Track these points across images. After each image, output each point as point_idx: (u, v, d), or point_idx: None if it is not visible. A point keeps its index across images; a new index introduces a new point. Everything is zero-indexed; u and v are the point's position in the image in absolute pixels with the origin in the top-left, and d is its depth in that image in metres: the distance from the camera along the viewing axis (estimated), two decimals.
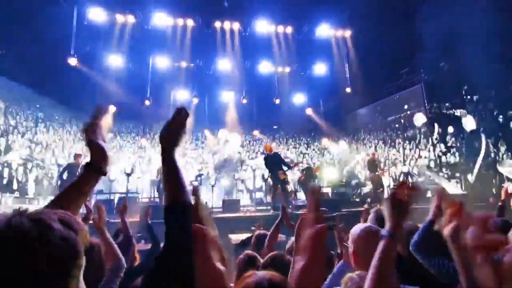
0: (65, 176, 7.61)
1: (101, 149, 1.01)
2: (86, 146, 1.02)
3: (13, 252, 0.53)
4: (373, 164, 9.61)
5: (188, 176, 9.21)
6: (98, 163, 1.00)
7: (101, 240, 1.79)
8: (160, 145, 0.91)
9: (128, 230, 2.36)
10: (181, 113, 0.92)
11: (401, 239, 1.09)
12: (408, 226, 1.95)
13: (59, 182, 7.60)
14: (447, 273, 1.54)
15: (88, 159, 1.03)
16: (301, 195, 10.75)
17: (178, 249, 0.76)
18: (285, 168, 7.77)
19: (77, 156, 7.89)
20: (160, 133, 0.91)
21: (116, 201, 8.30)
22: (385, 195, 9.65)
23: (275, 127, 14.61)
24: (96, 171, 1.00)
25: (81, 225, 0.64)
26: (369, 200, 9.48)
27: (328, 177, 10.19)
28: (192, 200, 0.74)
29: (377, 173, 9.43)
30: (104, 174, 1.00)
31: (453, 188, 9.57)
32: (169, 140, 0.90)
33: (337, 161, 11.60)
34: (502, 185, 7.68)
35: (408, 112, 11.13)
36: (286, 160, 8.59)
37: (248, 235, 3.79)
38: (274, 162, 7.71)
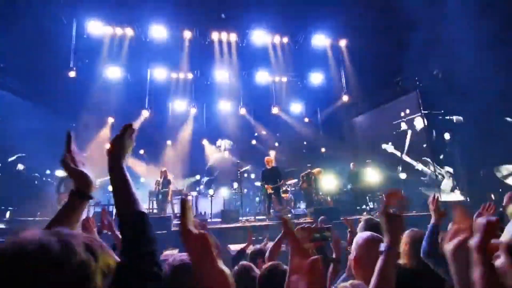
0: (62, 189, 7.55)
1: (82, 175, 1.06)
2: (68, 175, 1.07)
3: (40, 265, 0.55)
4: (354, 175, 9.67)
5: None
6: (82, 189, 1.04)
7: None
8: (108, 156, 0.95)
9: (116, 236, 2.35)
10: (127, 129, 0.99)
11: (399, 251, 1.10)
12: (415, 234, 1.95)
13: (56, 196, 7.55)
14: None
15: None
16: (302, 205, 10.76)
17: (134, 258, 0.80)
18: (279, 182, 8.07)
19: None
20: (108, 148, 0.97)
21: (114, 212, 8.25)
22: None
23: (277, 134, 14.65)
24: (81, 197, 1.04)
25: (105, 248, 0.67)
26: (368, 208, 9.48)
27: (327, 185, 10.19)
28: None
29: (357, 185, 9.50)
30: (90, 198, 1.06)
31: (453, 194, 9.58)
32: (114, 152, 0.95)
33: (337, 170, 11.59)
34: (500, 190, 7.68)
35: (405, 119, 11.23)
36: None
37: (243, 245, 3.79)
38: (270, 176, 8.06)
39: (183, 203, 0.77)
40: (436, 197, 2.05)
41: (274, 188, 8.17)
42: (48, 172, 10.14)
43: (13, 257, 0.55)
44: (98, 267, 0.62)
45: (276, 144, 12.89)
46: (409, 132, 10.82)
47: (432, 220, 1.91)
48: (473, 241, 0.90)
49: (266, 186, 8.14)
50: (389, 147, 11.46)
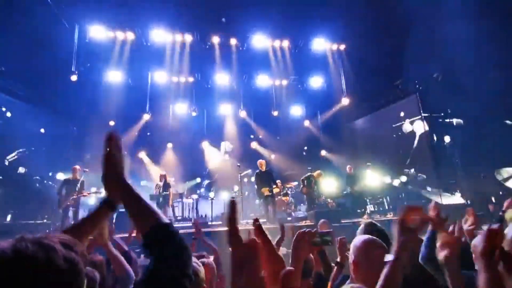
0: (63, 191, 7.56)
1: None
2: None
3: (23, 277, 0.56)
4: (351, 178, 9.65)
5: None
6: (114, 202, 1.03)
7: (107, 254, 1.82)
8: (106, 175, 0.90)
9: (122, 247, 2.36)
10: (112, 138, 0.91)
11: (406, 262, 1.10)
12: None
13: (58, 198, 7.55)
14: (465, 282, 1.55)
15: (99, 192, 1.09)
16: (302, 207, 10.76)
17: (165, 271, 0.75)
18: (273, 185, 8.29)
19: (73, 170, 7.82)
20: (102, 174, 0.90)
21: (115, 216, 8.24)
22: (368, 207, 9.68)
23: (277, 138, 14.68)
24: (111, 208, 1.05)
25: (81, 245, 0.68)
26: (368, 211, 9.46)
27: (328, 188, 10.20)
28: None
29: (357, 187, 9.47)
30: (116, 211, 1.05)
31: (453, 197, 9.57)
32: (111, 174, 0.89)
33: (336, 173, 11.60)
34: (500, 192, 7.69)
35: (404, 122, 11.25)
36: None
37: None
38: (265, 179, 8.19)
39: (232, 205, 0.70)
40: (437, 204, 2.05)
41: (271, 190, 8.19)
42: (50, 174, 10.16)
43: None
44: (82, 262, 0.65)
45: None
46: (417, 133, 10.69)
47: (432, 226, 1.91)
48: (478, 249, 0.91)
49: (263, 189, 8.19)
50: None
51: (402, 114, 11.31)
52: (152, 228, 0.80)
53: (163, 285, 0.73)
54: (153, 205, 0.86)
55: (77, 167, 7.86)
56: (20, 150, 9.29)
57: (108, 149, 0.90)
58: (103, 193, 1.03)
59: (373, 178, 10.28)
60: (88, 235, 1.03)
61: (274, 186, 8.32)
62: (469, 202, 8.89)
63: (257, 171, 8.56)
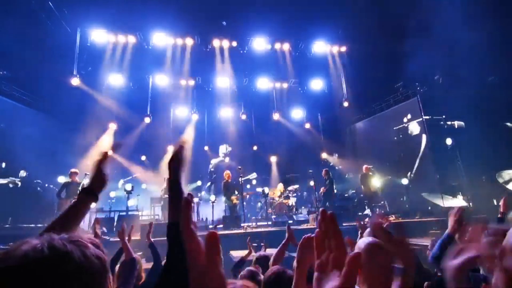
0: (63, 194, 7.56)
1: (104, 180, 1.15)
2: (94, 173, 1.14)
3: (62, 274, 0.58)
4: (366, 178, 9.63)
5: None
6: (96, 189, 1.12)
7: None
8: (169, 175, 1.00)
9: (130, 253, 2.35)
10: (180, 148, 1.05)
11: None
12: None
13: (57, 201, 7.55)
14: (475, 285, 1.55)
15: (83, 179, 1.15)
16: (304, 210, 10.73)
17: (180, 264, 0.78)
18: (236, 194, 9.23)
19: (72, 174, 7.83)
20: (168, 162, 1.01)
21: (116, 219, 8.23)
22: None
23: (278, 140, 14.68)
24: (93, 195, 1.12)
25: (102, 245, 0.72)
26: (370, 213, 9.43)
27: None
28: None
29: (371, 187, 9.45)
30: (97, 200, 1.14)
31: (455, 199, 9.53)
32: (176, 166, 1.01)
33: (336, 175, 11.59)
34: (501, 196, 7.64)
35: (406, 125, 11.23)
36: None
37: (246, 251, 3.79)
38: (231, 189, 9.21)
39: (186, 202, 0.75)
40: (461, 209, 1.95)
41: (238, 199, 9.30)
42: (50, 177, 10.16)
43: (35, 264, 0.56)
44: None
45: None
46: (424, 136, 10.60)
47: (449, 230, 1.90)
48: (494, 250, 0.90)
49: (232, 197, 9.25)
50: None
51: (405, 118, 11.27)
52: (176, 223, 0.86)
53: (181, 276, 0.76)
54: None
55: (76, 170, 7.86)
56: (13, 179, 9.28)
57: (180, 149, 1.03)
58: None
59: (375, 181, 10.24)
60: (76, 225, 1.05)
61: (236, 195, 9.44)
62: (471, 204, 8.85)
63: (224, 181, 9.49)
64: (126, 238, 2.40)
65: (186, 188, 11.99)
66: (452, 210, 1.92)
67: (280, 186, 11.06)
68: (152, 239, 2.88)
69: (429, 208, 9.56)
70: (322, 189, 10.16)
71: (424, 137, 10.48)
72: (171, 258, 0.82)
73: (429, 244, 3.61)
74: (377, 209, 9.55)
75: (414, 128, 10.91)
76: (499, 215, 3.23)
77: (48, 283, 0.55)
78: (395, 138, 11.70)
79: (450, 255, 1.02)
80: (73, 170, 7.86)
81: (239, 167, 10.11)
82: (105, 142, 12.06)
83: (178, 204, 0.93)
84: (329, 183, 10.01)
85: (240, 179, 9.62)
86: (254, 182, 12.83)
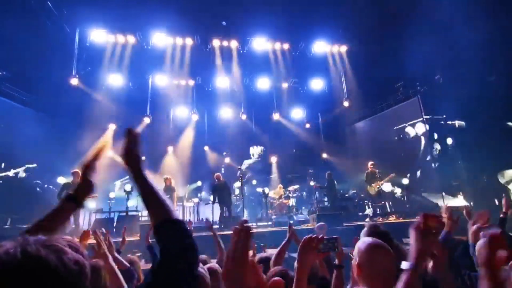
0: (63, 195, 7.54)
1: (90, 188, 1.11)
2: (81, 180, 1.10)
3: (35, 280, 0.54)
4: (371, 177, 9.58)
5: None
6: (81, 197, 1.09)
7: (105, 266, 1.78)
8: (128, 169, 0.92)
9: (124, 264, 2.31)
10: (131, 133, 0.97)
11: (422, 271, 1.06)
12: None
13: (58, 202, 7.52)
14: (473, 284, 1.54)
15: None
16: (304, 211, 10.72)
17: (171, 264, 0.78)
18: (228, 195, 9.09)
19: (75, 174, 7.79)
20: (124, 156, 0.93)
21: (116, 219, 8.22)
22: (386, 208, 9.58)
23: (279, 141, 14.69)
24: (77, 203, 1.09)
25: (83, 248, 0.67)
26: (370, 214, 9.41)
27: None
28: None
29: (375, 185, 9.39)
30: (82, 207, 1.10)
31: (456, 199, 9.51)
32: (132, 163, 0.92)
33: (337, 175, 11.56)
34: (503, 195, 7.62)
35: (406, 125, 11.21)
36: None
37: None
38: (221, 190, 9.07)
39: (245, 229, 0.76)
40: (449, 207, 2.18)
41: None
42: (50, 178, 10.15)
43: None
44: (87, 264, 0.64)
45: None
46: (424, 136, 10.57)
47: (446, 228, 2.03)
48: (479, 257, 0.89)
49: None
50: None
51: (405, 117, 11.24)
52: (163, 221, 0.84)
53: (170, 277, 0.76)
54: (167, 200, 0.90)
55: (78, 171, 7.81)
56: (30, 166, 9.25)
57: (129, 141, 0.96)
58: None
59: (386, 186, 10.22)
60: (55, 232, 1.01)
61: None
62: (472, 204, 8.83)
63: (215, 183, 9.35)
64: (115, 252, 2.31)
65: (187, 189, 11.97)
66: (442, 209, 2.05)
67: (279, 189, 11.05)
68: (150, 241, 2.87)
69: (430, 208, 9.53)
70: (313, 184, 10.48)
71: (424, 137, 10.46)
72: (165, 258, 0.79)
73: None
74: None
75: (414, 128, 10.89)
76: (501, 215, 3.21)
77: None
78: (396, 138, 11.67)
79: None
80: (76, 170, 7.81)
81: (239, 167, 10.10)
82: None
83: (156, 200, 0.88)
84: (328, 185, 9.92)
85: (239, 178, 9.62)
86: (254, 182, 12.81)
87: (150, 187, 0.89)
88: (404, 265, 1.00)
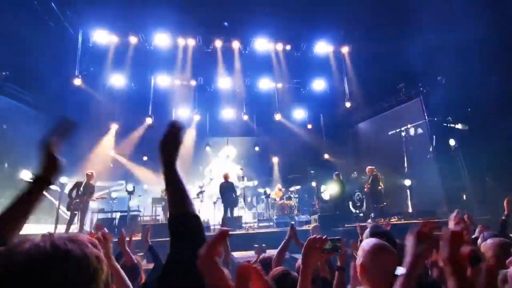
0: (73, 194, 7.64)
1: (56, 164, 1.07)
2: (44, 158, 1.05)
3: (63, 271, 0.61)
4: (373, 179, 9.57)
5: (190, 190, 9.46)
6: (48, 175, 1.05)
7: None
8: (161, 157, 0.93)
9: (132, 260, 2.32)
10: (175, 126, 0.97)
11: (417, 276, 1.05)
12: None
13: (68, 201, 7.60)
14: None
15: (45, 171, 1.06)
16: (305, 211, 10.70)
17: (183, 257, 0.79)
18: (233, 196, 9.04)
19: (90, 175, 7.93)
20: (159, 145, 0.94)
21: (117, 219, 8.24)
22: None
23: (280, 141, 14.66)
24: (46, 182, 1.05)
25: (99, 246, 0.76)
26: (372, 215, 9.38)
27: (331, 192, 10.12)
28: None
29: (379, 187, 9.37)
30: (52, 184, 1.07)
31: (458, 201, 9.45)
32: (169, 152, 0.94)
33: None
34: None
35: (409, 126, 11.17)
36: None
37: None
38: (227, 190, 9.04)
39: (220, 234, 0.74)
40: (459, 213, 2.00)
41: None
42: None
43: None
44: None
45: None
46: (426, 137, 10.49)
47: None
48: (442, 254, 0.89)
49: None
50: None
51: (407, 118, 11.19)
52: (183, 214, 0.86)
53: (181, 271, 0.78)
54: (190, 195, 0.92)
55: (93, 172, 7.93)
56: (105, 196, 9.19)
57: (171, 131, 0.97)
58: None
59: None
60: (26, 216, 0.98)
61: (234, 197, 9.22)
62: (474, 206, 8.78)
63: (222, 183, 9.27)
64: (127, 245, 2.35)
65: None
66: (451, 214, 1.93)
67: (278, 189, 11.04)
68: (150, 241, 2.88)
69: (432, 209, 9.48)
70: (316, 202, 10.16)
71: (426, 138, 10.42)
72: (175, 251, 0.82)
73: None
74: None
75: (416, 129, 10.85)
76: (503, 217, 3.19)
77: (50, 280, 0.58)
78: (398, 139, 11.63)
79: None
80: (91, 172, 7.95)
81: (241, 167, 10.08)
82: (107, 142, 12.09)
83: (178, 190, 0.90)
84: (341, 187, 9.85)
85: (242, 180, 9.61)
86: (255, 182, 12.81)
87: (178, 179, 0.91)
88: (400, 270, 1.00)
